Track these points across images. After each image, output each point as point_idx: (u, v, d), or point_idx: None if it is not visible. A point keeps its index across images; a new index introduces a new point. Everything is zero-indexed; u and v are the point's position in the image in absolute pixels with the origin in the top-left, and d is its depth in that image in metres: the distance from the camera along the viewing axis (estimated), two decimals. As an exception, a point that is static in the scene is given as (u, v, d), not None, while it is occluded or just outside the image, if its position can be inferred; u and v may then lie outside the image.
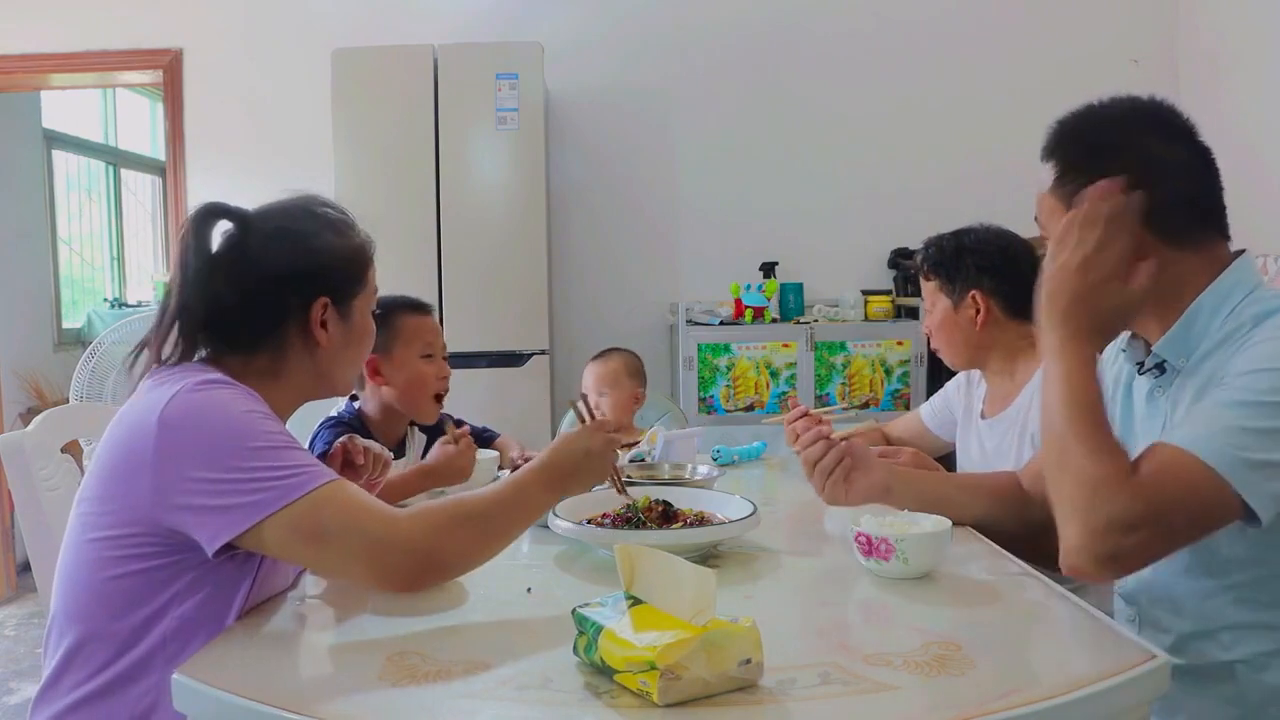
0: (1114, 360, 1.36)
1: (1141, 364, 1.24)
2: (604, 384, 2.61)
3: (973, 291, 1.85)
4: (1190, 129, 1.19)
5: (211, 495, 1.06)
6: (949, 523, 1.25)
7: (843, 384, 3.72)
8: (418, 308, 2.05)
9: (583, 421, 1.37)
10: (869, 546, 1.22)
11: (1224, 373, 1.08)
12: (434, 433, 2.01)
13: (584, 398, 1.52)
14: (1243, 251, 1.19)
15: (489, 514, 1.16)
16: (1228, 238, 1.20)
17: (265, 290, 1.23)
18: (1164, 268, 1.14)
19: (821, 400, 3.73)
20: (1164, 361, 1.19)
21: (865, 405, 3.72)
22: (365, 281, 1.32)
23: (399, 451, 2.03)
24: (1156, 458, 1.01)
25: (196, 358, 1.23)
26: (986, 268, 1.85)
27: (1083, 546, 0.99)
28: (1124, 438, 1.29)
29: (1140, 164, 1.14)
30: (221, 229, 1.24)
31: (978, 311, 1.85)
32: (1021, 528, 1.46)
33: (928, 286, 1.95)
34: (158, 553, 1.09)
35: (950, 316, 1.89)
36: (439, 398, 2.01)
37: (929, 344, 2.03)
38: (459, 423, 2.00)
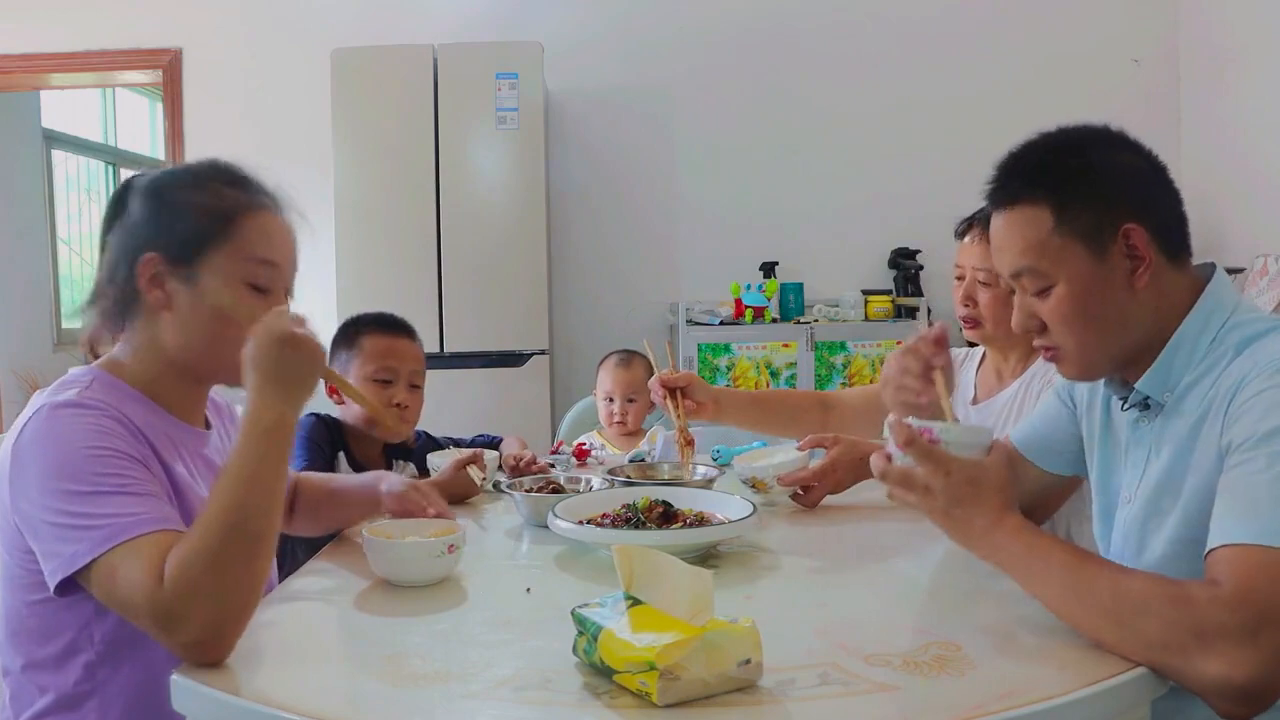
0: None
1: (1125, 399, 1.20)
2: (633, 390, 2.57)
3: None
4: (1150, 150, 1.17)
5: (41, 537, 1.01)
6: (991, 428, 1.17)
7: (843, 383, 3.72)
8: (386, 326, 1.94)
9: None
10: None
11: (1218, 412, 1.05)
12: (422, 459, 1.95)
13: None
14: (1213, 267, 1.16)
15: (236, 493, 0.98)
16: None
17: (114, 255, 1.16)
18: (1164, 291, 1.12)
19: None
20: (1147, 397, 1.16)
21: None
22: (223, 240, 1.14)
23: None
24: (1231, 563, 0.93)
25: (104, 356, 1.20)
26: (1136, 182, 1.14)
27: (1225, 684, 0.88)
28: (1106, 467, 1.26)
29: (1136, 183, 1.13)
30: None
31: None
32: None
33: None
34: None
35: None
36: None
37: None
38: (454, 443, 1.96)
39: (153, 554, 0.96)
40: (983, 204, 1.29)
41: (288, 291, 1.22)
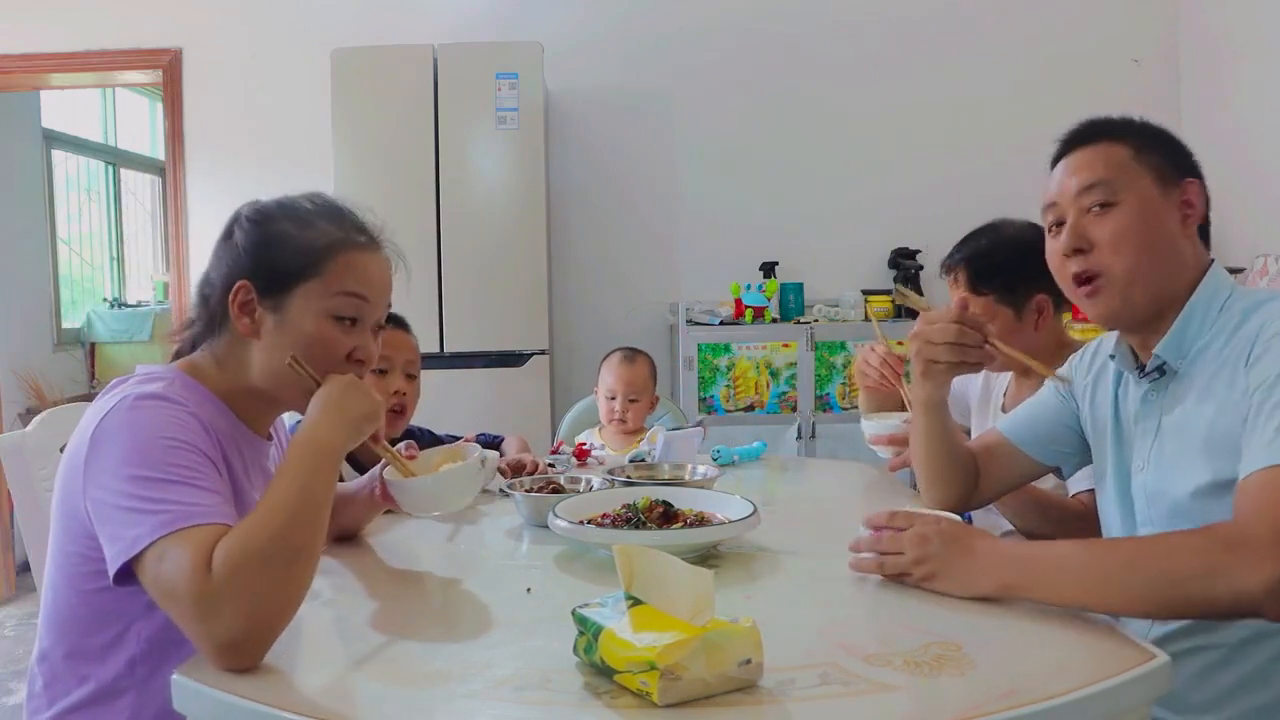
0: (1089, 365, 1.41)
1: (1143, 367, 1.27)
2: (635, 390, 2.57)
3: (1038, 296, 1.75)
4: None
5: (107, 521, 1.02)
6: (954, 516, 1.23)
7: (843, 384, 3.72)
8: None
9: (316, 383, 1.19)
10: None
11: (1237, 366, 1.13)
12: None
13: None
14: (1211, 260, 1.28)
15: (287, 502, 1.01)
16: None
17: (211, 276, 1.21)
18: (1195, 250, 1.24)
19: (821, 400, 3.73)
20: (1164, 363, 1.24)
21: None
22: (314, 276, 1.18)
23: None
24: (1248, 489, 0.99)
25: (184, 360, 1.24)
26: (1043, 267, 1.52)
27: (1269, 587, 0.92)
28: (1119, 449, 1.33)
29: (1194, 161, 1.28)
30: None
31: (1039, 314, 1.78)
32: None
33: (977, 300, 1.78)
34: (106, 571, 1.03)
35: (1014, 327, 1.77)
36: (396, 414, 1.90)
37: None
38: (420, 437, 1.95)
39: (204, 545, 0.96)
40: (968, 230, 1.72)
41: (378, 325, 1.26)
